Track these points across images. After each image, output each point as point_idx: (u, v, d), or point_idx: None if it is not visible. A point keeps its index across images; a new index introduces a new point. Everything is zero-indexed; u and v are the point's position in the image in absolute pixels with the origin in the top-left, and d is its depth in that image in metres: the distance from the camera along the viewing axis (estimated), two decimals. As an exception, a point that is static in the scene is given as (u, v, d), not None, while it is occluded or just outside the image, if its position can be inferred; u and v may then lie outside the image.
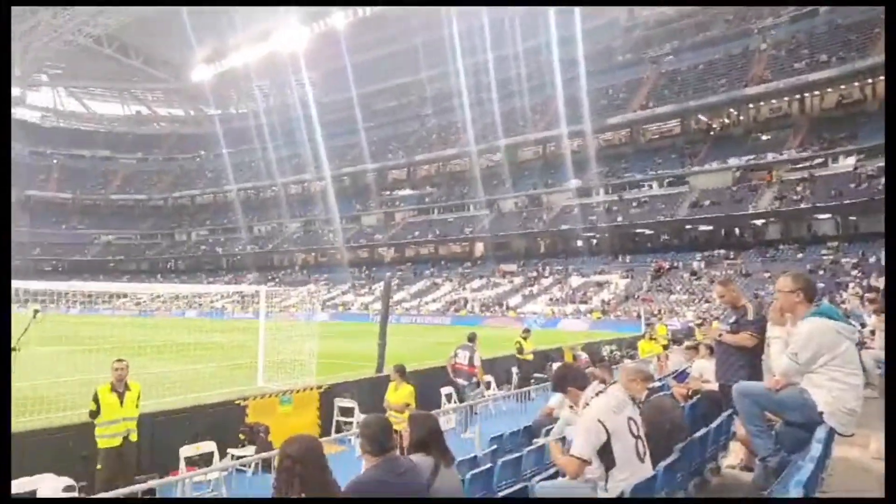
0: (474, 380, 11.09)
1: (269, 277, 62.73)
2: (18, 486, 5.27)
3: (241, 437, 8.31)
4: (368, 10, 63.13)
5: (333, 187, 69.35)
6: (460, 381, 11.08)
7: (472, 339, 11.63)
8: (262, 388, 12.69)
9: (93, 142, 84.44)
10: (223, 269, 72.05)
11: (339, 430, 9.46)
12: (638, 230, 50.24)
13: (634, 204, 49.92)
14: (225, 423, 8.29)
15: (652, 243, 50.79)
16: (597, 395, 3.59)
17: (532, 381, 12.87)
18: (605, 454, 3.38)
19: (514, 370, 13.55)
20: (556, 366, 13.34)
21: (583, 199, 53.04)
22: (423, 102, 70.81)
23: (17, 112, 79.57)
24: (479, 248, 60.37)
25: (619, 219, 48.86)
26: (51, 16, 61.39)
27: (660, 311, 36.50)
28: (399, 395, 7.82)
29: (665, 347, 15.39)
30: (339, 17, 63.17)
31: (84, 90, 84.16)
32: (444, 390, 11.44)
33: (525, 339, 13.66)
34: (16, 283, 15.24)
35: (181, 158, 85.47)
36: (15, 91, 76.43)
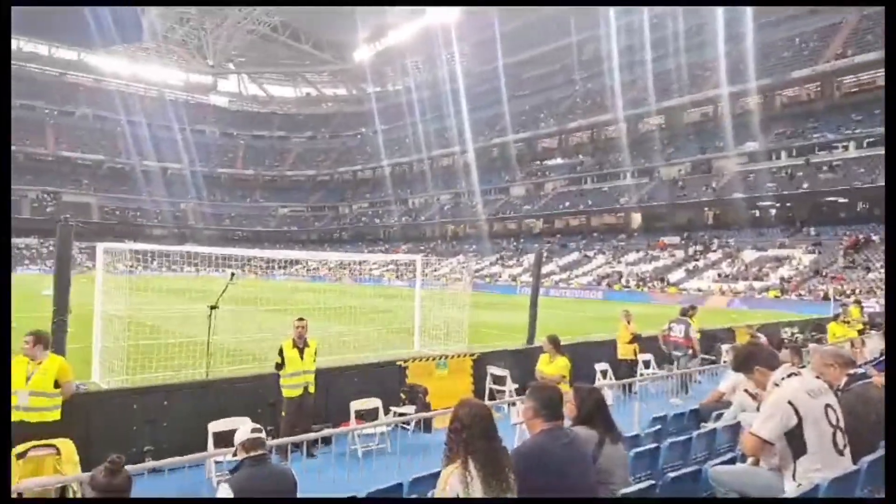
0: (690, 351, 11.13)
1: (421, 248, 65.46)
2: (221, 426, 6.07)
3: (403, 396, 8.79)
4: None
5: (483, 158, 70.20)
6: (677, 352, 11.21)
7: (684, 313, 11.62)
8: (419, 352, 13.37)
9: (271, 123, 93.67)
10: (380, 240, 76.62)
11: (491, 398, 9.64)
12: (828, 198, 44.15)
13: (825, 168, 43.76)
14: (388, 382, 8.82)
15: (846, 213, 44.14)
16: (789, 376, 3.23)
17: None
18: (795, 439, 3.08)
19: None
20: (725, 347, 12.37)
21: (760, 164, 47.65)
22: (575, 67, 68.30)
23: (211, 98, 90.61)
24: (636, 219, 57.42)
25: (805, 185, 43.31)
26: (237, 9, 68.33)
27: (854, 290, 32.04)
28: (554, 366, 7.71)
29: (860, 332, 13.46)
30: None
31: (263, 76, 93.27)
32: (599, 366, 11.10)
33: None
34: (211, 250, 17.44)
35: (344, 136, 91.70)
36: (208, 79, 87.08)
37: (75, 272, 7.91)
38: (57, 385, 5.29)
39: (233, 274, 10.63)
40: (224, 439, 5.56)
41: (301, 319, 7.41)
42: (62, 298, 7.22)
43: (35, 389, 5.21)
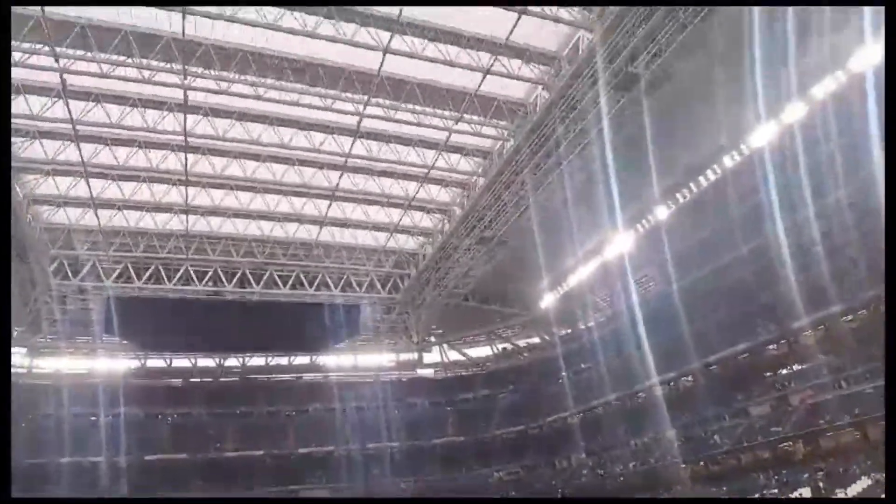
0: None
1: (663, 496, 56.37)
2: None
3: None
4: (688, 195, 62.48)
5: (705, 379, 63.12)
6: None
7: None
8: None
9: (474, 384, 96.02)
10: (610, 494, 68.03)
11: None
12: None
13: None
14: None
15: None
16: None
17: None
18: None
19: None
20: None
21: None
22: (782, 261, 62.62)
23: (418, 372, 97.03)
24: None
25: None
26: (431, 287, 76.59)
27: None
28: None
29: None
30: (661, 211, 63.78)
31: (461, 341, 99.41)
32: None
33: None
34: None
35: (546, 383, 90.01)
36: (414, 356, 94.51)
37: None
38: None
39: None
40: None
41: None
42: None
43: None
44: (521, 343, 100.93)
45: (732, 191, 59.49)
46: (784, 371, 59.24)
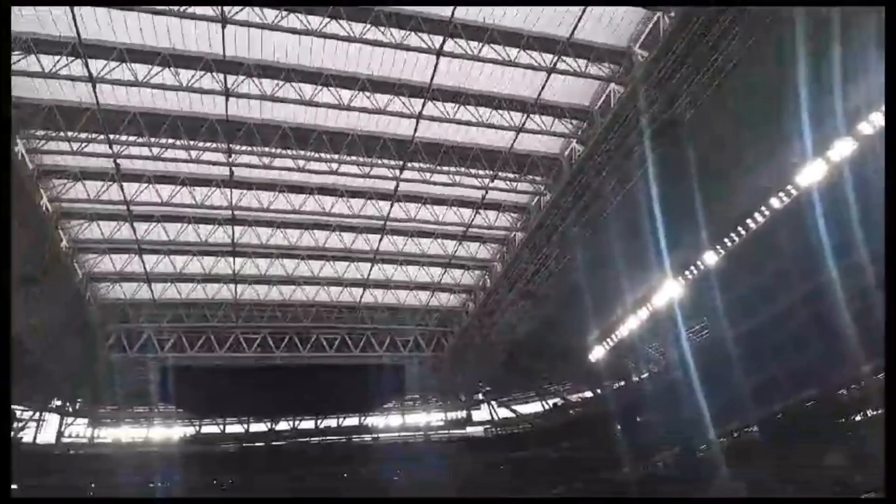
0: None
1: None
2: None
3: None
4: (738, 239, 60.39)
5: (769, 430, 59.31)
6: None
7: None
8: None
9: (527, 441, 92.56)
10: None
11: None
12: None
13: None
14: None
15: None
16: None
17: None
18: None
19: None
20: None
21: None
22: (840, 305, 59.22)
23: (468, 430, 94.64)
24: None
25: None
26: (476, 344, 75.41)
27: None
28: None
29: None
30: (711, 257, 61.73)
31: (510, 398, 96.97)
32: None
33: None
34: None
35: (600, 439, 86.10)
36: (463, 414, 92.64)
37: None
38: None
39: None
40: None
41: None
42: None
43: None
44: (573, 398, 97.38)
45: (784, 233, 57.18)
46: (858, 417, 55.32)
